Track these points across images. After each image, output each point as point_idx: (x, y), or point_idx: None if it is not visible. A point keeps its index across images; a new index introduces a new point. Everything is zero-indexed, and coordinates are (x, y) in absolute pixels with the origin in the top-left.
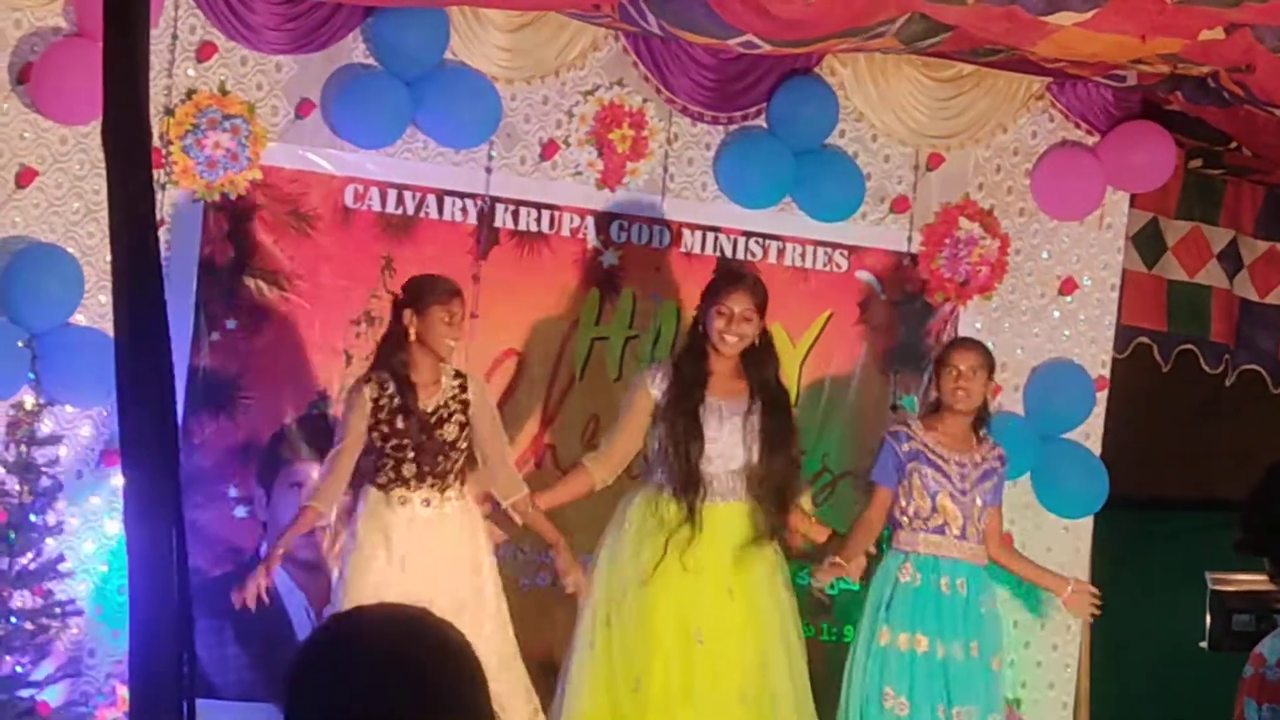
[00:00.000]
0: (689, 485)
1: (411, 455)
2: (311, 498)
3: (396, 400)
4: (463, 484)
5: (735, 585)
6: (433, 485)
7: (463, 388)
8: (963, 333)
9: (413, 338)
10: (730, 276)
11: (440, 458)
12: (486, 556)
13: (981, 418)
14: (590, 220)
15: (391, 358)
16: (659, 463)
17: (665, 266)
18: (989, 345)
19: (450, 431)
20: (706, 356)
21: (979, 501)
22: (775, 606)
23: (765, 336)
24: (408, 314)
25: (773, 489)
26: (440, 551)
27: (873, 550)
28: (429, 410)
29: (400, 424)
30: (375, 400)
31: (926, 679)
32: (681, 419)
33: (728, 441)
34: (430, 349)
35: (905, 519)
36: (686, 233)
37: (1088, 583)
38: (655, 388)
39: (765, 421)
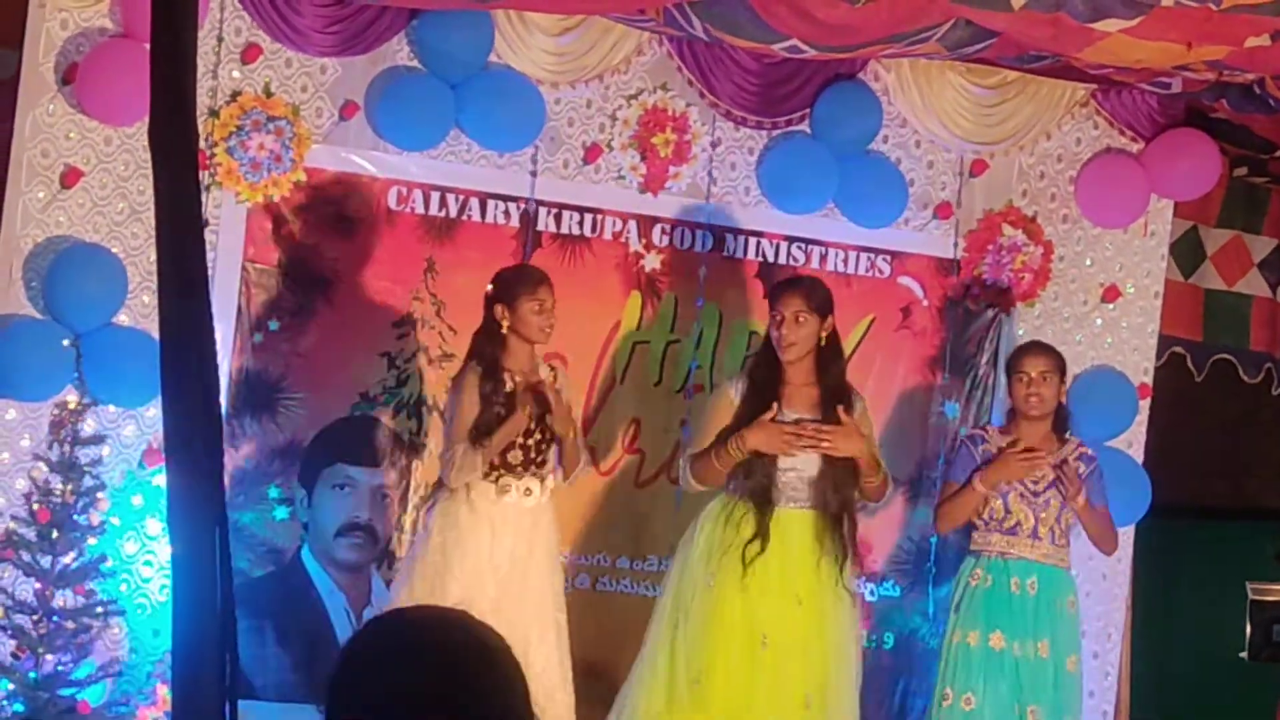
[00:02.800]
0: (762, 497)
1: (519, 441)
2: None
3: (499, 386)
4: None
5: (803, 592)
6: (534, 474)
7: (555, 377)
8: (1004, 340)
9: (505, 330)
10: (785, 282)
11: (544, 446)
12: (559, 555)
13: (1061, 419)
14: (633, 224)
15: (487, 350)
16: (735, 472)
17: (707, 271)
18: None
19: (550, 421)
20: (778, 366)
21: (1055, 502)
22: (840, 614)
23: (831, 337)
24: (499, 308)
25: (830, 494)
26: (535, 544)
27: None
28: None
29: (508, 409)
30: (482, 383)
31: (996, 676)
32: None
33: (804, 452)
34: (525, 339)
35: (979, 520)
36: (729, 237)
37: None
38: (736, 395)
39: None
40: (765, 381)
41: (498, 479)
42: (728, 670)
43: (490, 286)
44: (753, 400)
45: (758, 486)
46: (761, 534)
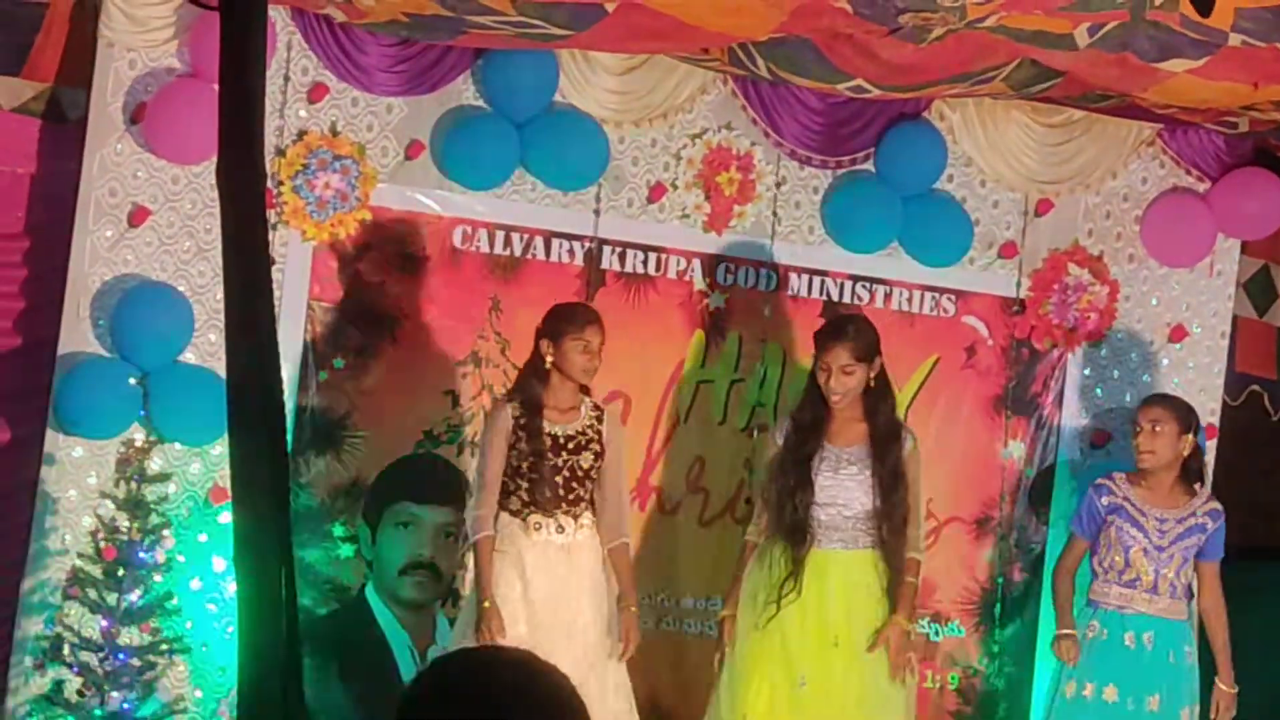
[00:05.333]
0: (795, 534)
1: (548, 479)
2: (482, 528)
3: (534, 423)
4: (593, 515)
5: (842, 633)
6: (566, 512)
7: (599, 419)
8: (1070, 380)
9: (549, 366)
10: (830, 329)
11: (575, 484)
12: (610, 591)
13: (1192, 470)
14: (697, 263)
15: (529, 384)
16: (772, 511)
17: (772, 310)
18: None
19: (586, 460)
20: (825, 405)
21: (1178, 557)
22: (879, 654)
23: (881, 376)
24: (544, 344)
25: (883, 534)
26: (571, 581)
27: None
28: (567, 435)
29: (537, 446)
30: (516, 420)
31: None
32: (793, 468)
33: (845, 487)
34: (568, 376)
35: (1100, 570)
36: (793, 276)
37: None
38: (780, 438)
39: (876, 465)
40: (810, 422)
41: (526, 517)
42: (771, 711)
43: (541, 322)
44: (795, 442)
45: (792, 525)
46: (795, 574)
